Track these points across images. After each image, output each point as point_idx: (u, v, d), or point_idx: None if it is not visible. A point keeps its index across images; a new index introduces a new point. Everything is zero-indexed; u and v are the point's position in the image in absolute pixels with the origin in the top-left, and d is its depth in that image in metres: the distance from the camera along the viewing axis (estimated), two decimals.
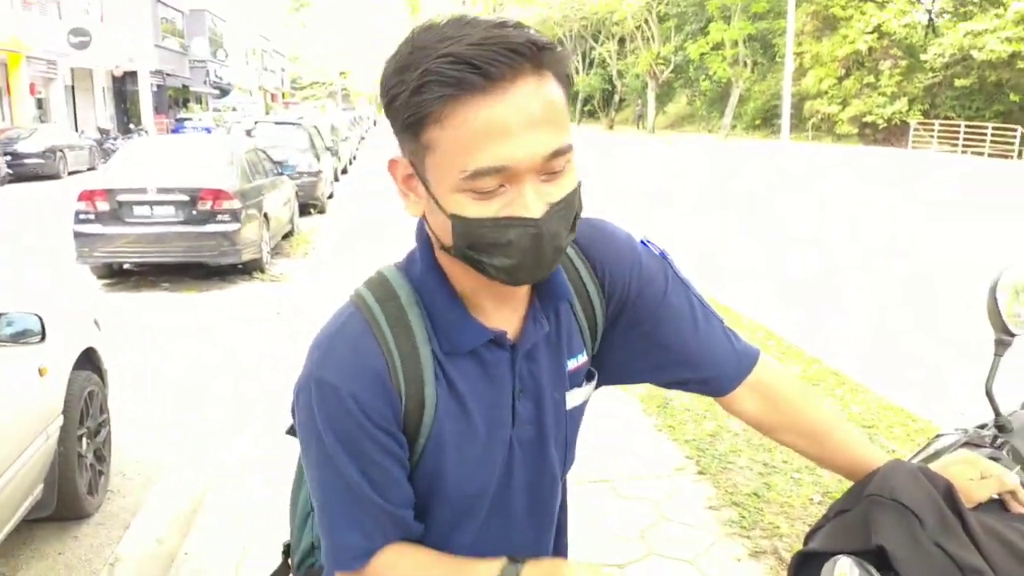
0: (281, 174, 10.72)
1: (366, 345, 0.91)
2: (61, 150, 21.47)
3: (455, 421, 0.95)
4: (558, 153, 0.82)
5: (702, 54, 36.63)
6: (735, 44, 35.38)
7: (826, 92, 31.96)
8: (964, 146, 27.15)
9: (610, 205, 12.54)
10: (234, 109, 40.24)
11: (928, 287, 7.90)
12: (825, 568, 0.99)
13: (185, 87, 43.86)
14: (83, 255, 8.15)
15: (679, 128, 44.55)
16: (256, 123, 15.42)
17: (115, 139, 26.79)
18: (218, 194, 8.16)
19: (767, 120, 36.94)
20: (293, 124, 15.03)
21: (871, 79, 30.94)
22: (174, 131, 31.43)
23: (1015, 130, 25.65)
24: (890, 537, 0.96)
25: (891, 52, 30.55)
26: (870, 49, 30.63)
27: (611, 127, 50.70)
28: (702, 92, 41.92)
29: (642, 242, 1.09)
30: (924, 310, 7.03)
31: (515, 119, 0.79)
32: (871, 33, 30.15)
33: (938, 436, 1.43)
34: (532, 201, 0.81)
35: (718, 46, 35.94)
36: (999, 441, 1.28)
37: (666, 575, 2.86)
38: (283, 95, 70.53)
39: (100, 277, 8.63)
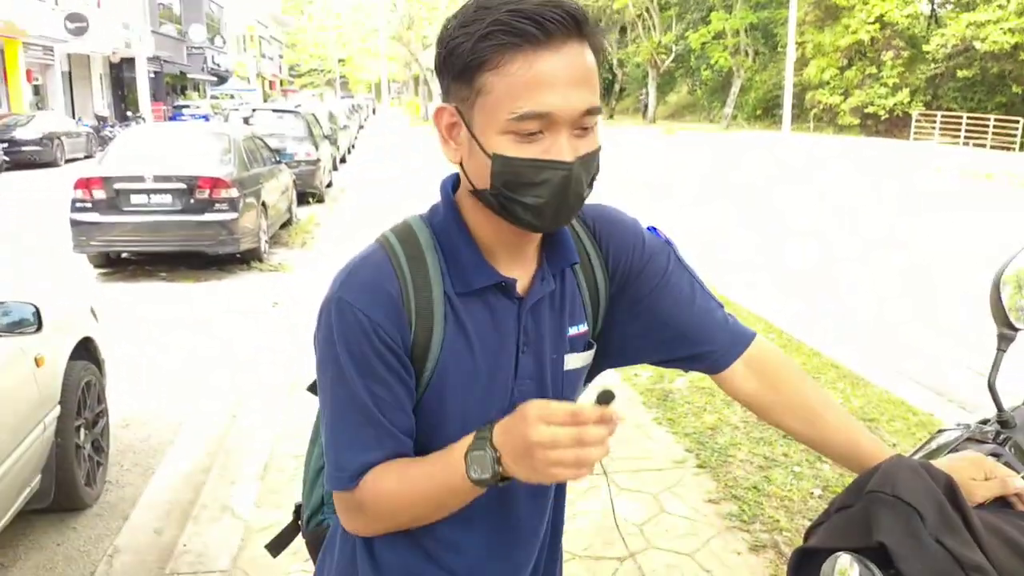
0: (279, 162, 10.68)
1: (384, 272, 0.99)
2: (58, 137, 21.40)
3: (459, 359, 1.01)
4: (591, 111, 0.93)
5: (703, 43, 36.46)
6: (737, 33, 35.22)
7: (828, 82, 31.85)
8: (966, 138, 27.06)
9: (613, 196, 12.50)
10: (232, 96, 40.07)
11: (927, 278, 7.89)
12: (825, 565, 0.98)
13: (183, 74, 43.67)
14: (80, 244, 8.12)
15: (680, 118, 44.39)
16: (254, 111, 15.36)
17: (113, 126, 26.71)
18: (216, 182, 8.13)
19: (768, 110, 36.82)
20: (291, 112, 14.97)
21: (873, 70, 30.82)
22: (172, 118, 31.27)
23: (1017, 122, 25.57)
24: (891, 534, 0.95)
25: (893, 43, 30.42)
26: (872, 39, 30.49)
27: (611, 116, 50.55)
28: (703, 82, 41.76)
29: (650, 228, 1.17)
30: (923, 301, 7.02)
31: (563, 74, 0.90)
32: (873, 23, 30.00)
33: (940, 431, 1.42)
34: (566, 148, 0.92)
35: (719, 35, 35.78)
36: (1002, 437, 1.27)
37: (666, 569, 2.86)
38: (281, 82, 70.26)
39: (97, 266, 8.60)
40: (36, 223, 11.10)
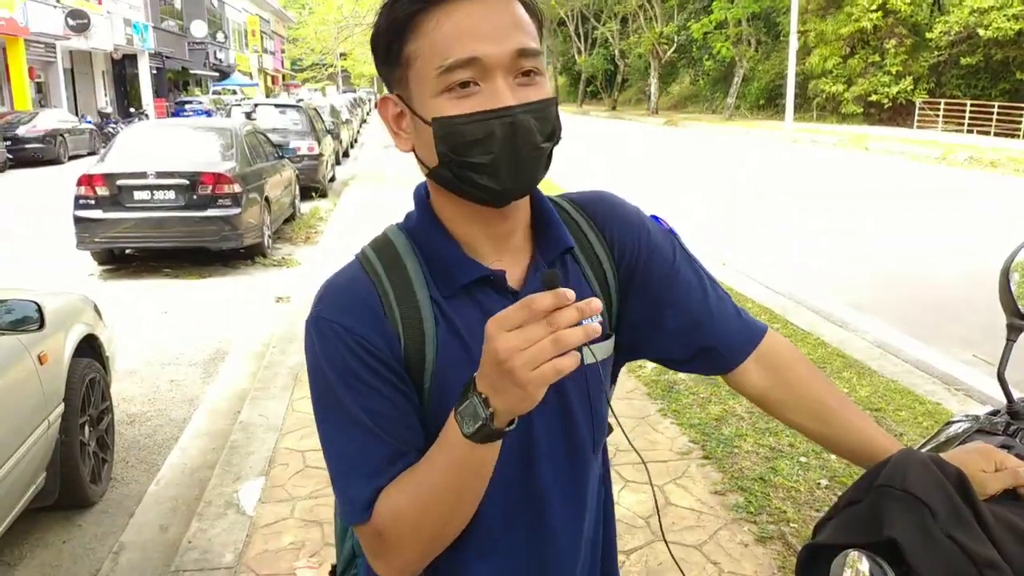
0: (282, 157, 10.67)
1: (359, 283, 0.95)
2: (61, 134, 21.42)
3: (459, 366, 0.92)
4: (527, 53, 0.87)
5: (705, 33, 36.25)
6: (738, 23, 35.03)
7: (831, 71, 31.64)
8: (970, 125, 26.91)
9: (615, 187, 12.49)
10: (234, 92, 40.03)
11: (934, 265, 7.86)
12: (835, 562, 0.96)
13: (185, 70, 43.65)
14: (83, 241, 8.13)
15: (682, 108, 44.25)
16: (256, 106, 15.35)
17: (115, 123, 26.70)
18: (219, 178, 8.13)
19: (771, 100, 36.66)
20: (293, 107, 14.95)
21: (876, 58, 30.62)
22: (175, 114, 31.31)
23: (1022, 109, 25.43)
24: (901, 529, 0.93)
25: (896, 30, 30.21)
26: (875, 27, 30.28)
27: (614, 107, 50.42)
28: (705, 72, 41.59)
29: (652, 216, 1.11)
30: (928, 288, 7.00)
31: (484, 20, 0.86)
32: (876, 11, 29.79)
33: (949, 423, 1.40)
34: (504, 93, 0.86)
35: (721, 25, 35.58)
36: (1012, 428, 1.25)
37: (672, 561, 2.85)
38: (283, 77, 70.18)
39: (101, 263, 8.61)
40: (39, 220, 11.11)
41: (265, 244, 8.95)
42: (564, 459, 1.02)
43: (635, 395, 4.32)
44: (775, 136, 26.94)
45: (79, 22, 27.73)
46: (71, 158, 21.38)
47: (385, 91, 0.97)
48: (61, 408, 3.26)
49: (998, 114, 26.11)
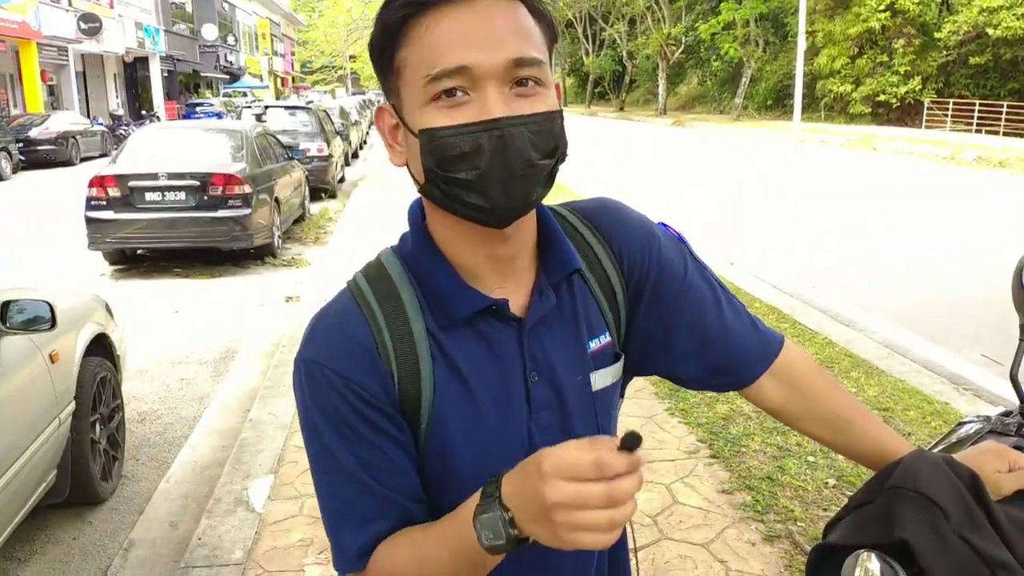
0: (292, 159, 10.71)
1: (351, 321, 0.88)
2: (73, 136, 21.54)
3: (458, 404, 0.88)
4: (524, 63, 0.81)
5: (713, 34, 36.16)
6: (746, 23, 34.93)
7: (839, 71, 31.53)
8: (979, 125, 26.76)
9: (621, 191, 12.48)
10: (244, 94, 40.18)
11: (943, 265, 7.82)
12: (847, 563, 0.96)
13: (195, 72, 43.84)
14: (95, 241, 8.18)
15: (690, 109, 44.15)
16: (266, 108, 15.41)
17: (127, 125, 26.86)
18: (229, 179, 8.17)
19: (779, 100, 36.55)
20: (303, 108, 15.00)
21: (884, 58, 30.49)
22: (186, 116, 31.45)
23: None
24: (913, 530, 0.92)
25: (904, 30, 30.07)
26: (883, 27, 30.14)
27: (622, 108, 50.36)
28: (713, 73, 41.49)
29: (660, 224, 1.06)
30: (938, 287, 6.96)
31: (477, 27, 0.80)
32: (884, 11, 29.67)
33: (960, 424, 1.40)
34: (495, 103, 0.79)
35: (729, 26, 35.48)
36: None
37: (679, 560, 2.84)
38: (293, 79, 70.37)
39: (112, 263, 8.66)
40: (51, 221, 11.18)
41: (275, 244, 8.99)
42: None
43: (642, 394, 4.31)
44: (783, 136, 26.86)
45: (91, 25, 27.90)
46: (83, 160, 21.51)
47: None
48: (72, 406, 3.28)
49: (1007, 114, 25.96)
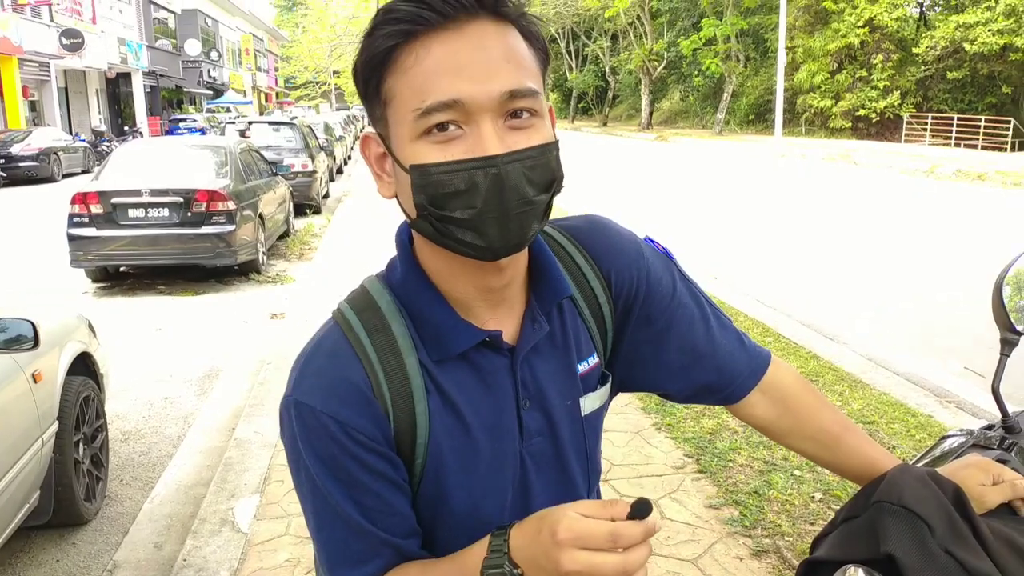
0: (276, 174, 10.69)
1: (344, 359, 0.85)
2: (55, 153, 21.38)
3: (453, 437, 0.88)
4: (519, 94, 0.78)
5: (695, 50, 36.55)
6: (727, 39, 35.32)
7: (819, 86, 31.94)
8: (957, 139, 27.15)
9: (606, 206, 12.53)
10: (227, 110, 40.07)
11: (923, 280, 7.90)
12: None
13: (179, 88, 43.70)
14: (77, 258, 8.11)
15: (672, 124, 44.50)
16: (250, 123, 15.37)
17: (109, 141, 26.68)
18: (213, 195, 8.13)
19: (760, 115, 36.93)
20: (287, 124, 14.99)
21: (863, 73, 30.93)
22: (169, 132, 31.30)
23: (1008, 122, 25.67)
24: (899, 545, 0.93)
25: (883, 46, 30.53)
26: (862, 43, 30.59)
27: (605, 123, 50.67)
28: (695, 88, 41.89)
29: (647, 239, 1.05)
30: (920, 303, 7.03)
31: (470, 56, 0.77)
32: (863, 27, 30.12)
33: (944, 437, 1.41)
34: (490, 139, 0.76)
35: (710, 41, 35.86)
36: (1007, 442, 1.26)
37: None
38: (277, 95, 70.32)
39: (95, 280, 8.59)
40: (33, 238, 11.08)
41: (259, 261, 8.95)
42: None
43: (629, 409, 4.32)
44: (764, 151, 27.10)
45: (73, 41, 27.75)
46: (65, 176, 21.34)
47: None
48: (55, 426, 3.24)
49: (984, 127, 26.35)
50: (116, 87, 35.73)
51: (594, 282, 0.98)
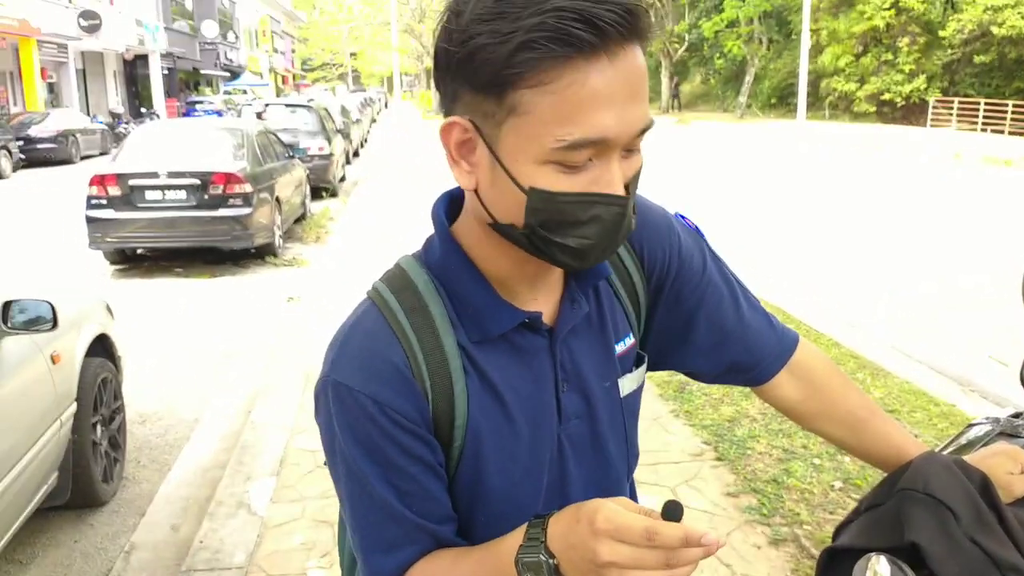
0: (292, 157, 10.70)
1: (382, 338, 0.83)
2: (73, 134, 21.53)
3: (491, 417, 0.86)
4: (646, 130, 0.77)
5: (716, 32, 36.14)
6: (750, 21, 34.90)
7: (843, 70, 31.52)
8: (984, 124, 26.73)
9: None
10: (244, 92, 40.19)
11: (949, 267, 7.80)
12: (857, 566, 0.95)
13: (196, 70, 43.85)
14: (95, 240, 8.16)
15: (694, 107, 44.13)
16: (267, 105, 15.38)
17: (127, 123, 26.84)
18: (229, 178, 8.15)
19: (783, 99, 36.51)
20: (304, 106, 14.98)
21: (889, 56, 30.48)
22: (186, 114, 31.46)
23: None
24: (924, 533, 0.92)
25: (909, 28, 30.06)
26: (888, 25, 30.14)
27: None
28: (717, 71, 41.47)
29: (677, 215, 1.04)
30: (944, 289, 6.94)
31: (620, 88, 0.73)
32: (888, 9, 29.66)
33: (970, 426, 1.39)
34: (618, 178, 0.76)
35: (733, 23, 35.44)
36: None
37: None
38: (294, 77, 70.44)
39: (113, 262, 8.65)
40: (52, 220, 11.17)
41: (276, 244, 8.97)
42: (599, 495, 0.95)
43: (647, 396, 4.29)
44: (787, 135, 26.83)
45: (91, 22, 27.89)
46: (83, 158, 21.50)
47: (454, 115, 0.80)
48: (73, 408, 3.26)
49: (1012, 112, 25.92)
50: (133, 69, 35.90)
51: (628, 260, 0.97)
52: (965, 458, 1.02)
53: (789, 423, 3.83)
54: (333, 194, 13.93)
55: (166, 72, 37.33)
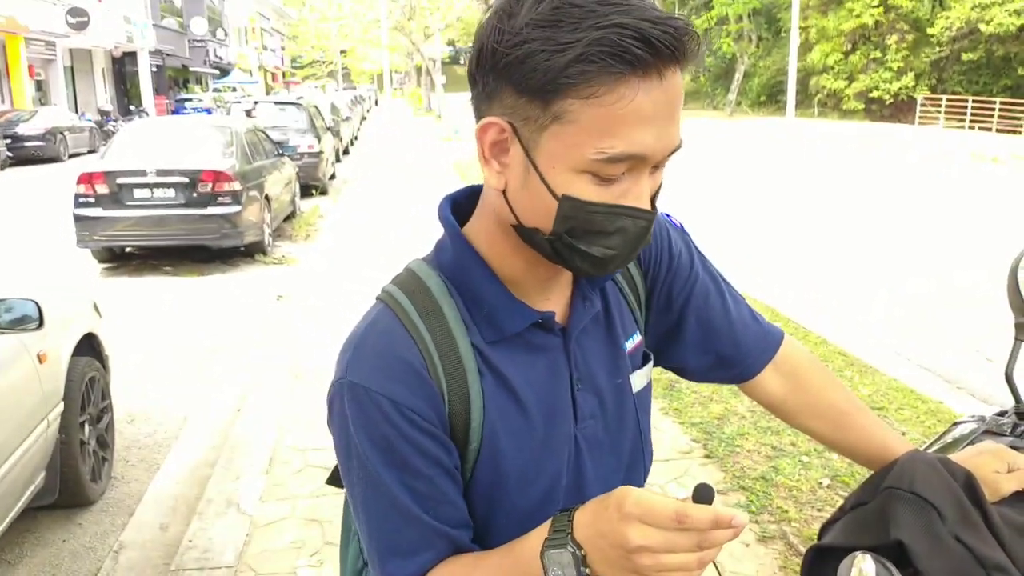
0: (282, 155, 10.66)
1: (398, 339, 0.83)
2: (61, 132, 21.38)
3: (508, 417, 0.86)
4: (677, 149, 0.79)
5: (706, 29, 36.26)
6: (740, 19, 35.02)
7: (832, 67, 31.68)
8: (971, 122, 26.89)
9: None
10: (234, 89, 40.00)
11: (936, 264, 7.84)
12: (843, 564, 0.95)
13: (185, 67, 43.63)
14: (83, 239, 8.11)
15: (683, 105, 44.16)
16: (256, 103, 15.32)
17: (115, 121, 26.68)
18: (218, 176, 8.11)
19: (772, 96, 36.67)
20: (293, 104, 14.93)
21: (877, 54, 30.65)
22: (174, 112, 31.31)
23: (1023, 105, 25.42)
24: (909, 531, 0.92)
25: (898, 26, 30.22)
26: (876, 23, 30.30)
27: None
28: (706, 68, 41.61)
29: (664, 215, 1.04)
30: (931, 287, 6.98)
31: (664, 108, 0.75)
32: (877, 6, 29.81)
33: (956, 423, 1.39)
34: (647, 193, 0.79)
35: (722, 21, 35.57)
36: (1020, 429, 1.24)
37: None
38: (283, 74, 70.11)
39: (101, 261, 8.60)
40: (40, 218, 11.10)
41: (265, 242, 8.94)
42: None
43: None
44: (776, 132, 26.92)
45: (79, 20, 27.69)
46: (71, 156, 21.36)
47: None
48: (61, 407, 3.24)
49: (1000, 110, 26.08)
50: (122, 66, 35.70)
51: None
52: (951, 456, 1.03)
53: (777, 421, 3.83)
54: (323, 192, 13.88)
55: (155, 69, 37.14)
